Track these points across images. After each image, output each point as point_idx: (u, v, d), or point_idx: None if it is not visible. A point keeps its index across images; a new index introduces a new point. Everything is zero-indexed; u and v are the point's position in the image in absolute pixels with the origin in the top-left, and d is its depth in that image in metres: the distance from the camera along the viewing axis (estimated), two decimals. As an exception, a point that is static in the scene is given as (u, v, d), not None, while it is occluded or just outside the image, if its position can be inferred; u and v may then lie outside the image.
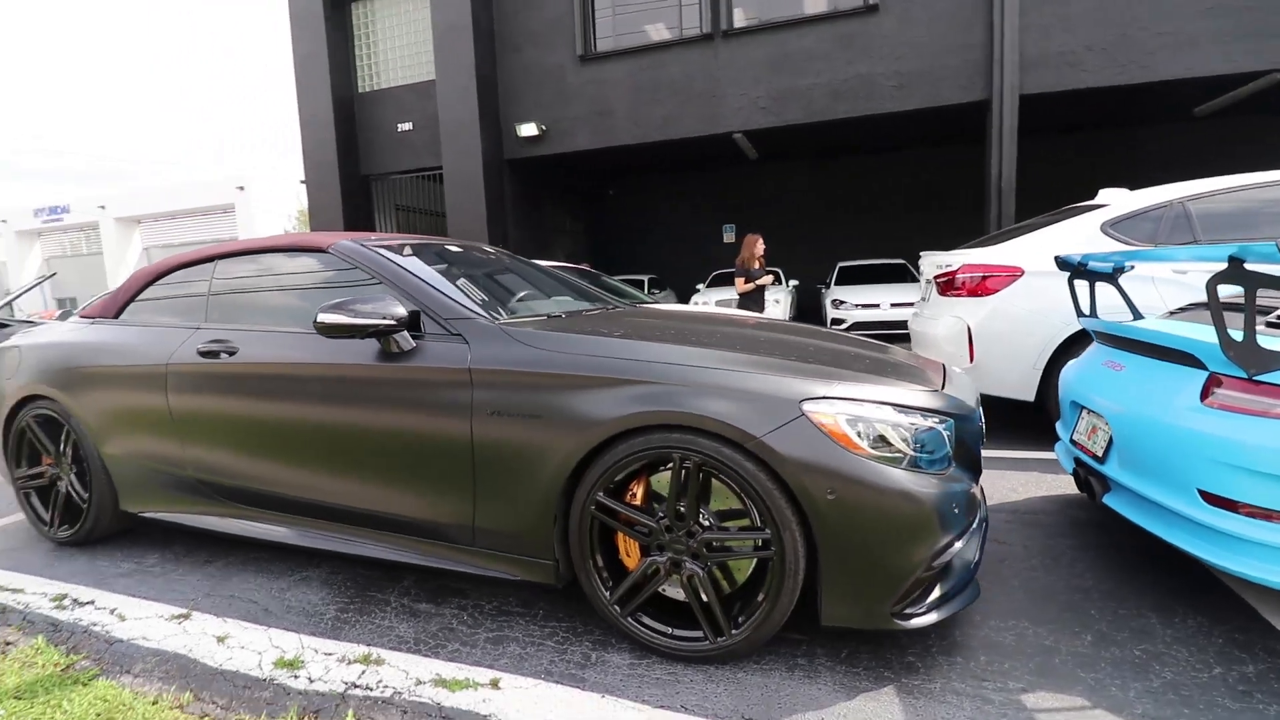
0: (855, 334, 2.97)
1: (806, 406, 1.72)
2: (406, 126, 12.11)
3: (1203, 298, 2.19)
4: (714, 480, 1.81)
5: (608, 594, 1.92)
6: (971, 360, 4.06)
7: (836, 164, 14.25)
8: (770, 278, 7.17)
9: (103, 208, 19.27)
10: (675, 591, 1.89)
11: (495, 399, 1.98)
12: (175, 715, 1.76)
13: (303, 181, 12.63)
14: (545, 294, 3.02)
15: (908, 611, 1.72)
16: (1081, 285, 2.90)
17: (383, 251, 2.43)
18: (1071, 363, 2.87)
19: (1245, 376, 1.82)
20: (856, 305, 9.73)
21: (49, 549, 2.89)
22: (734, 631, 1.79)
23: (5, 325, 5.86)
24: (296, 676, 1.88)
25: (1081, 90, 8.37)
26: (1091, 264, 2.76)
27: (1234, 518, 1.81)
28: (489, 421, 1.98)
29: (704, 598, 1.82)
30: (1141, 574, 2.28)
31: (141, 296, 2.90)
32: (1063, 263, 2.87)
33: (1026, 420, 4.06)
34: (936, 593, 1.78)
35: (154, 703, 1.80)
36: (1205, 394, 1.93)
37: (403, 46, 12.25)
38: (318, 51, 12.05)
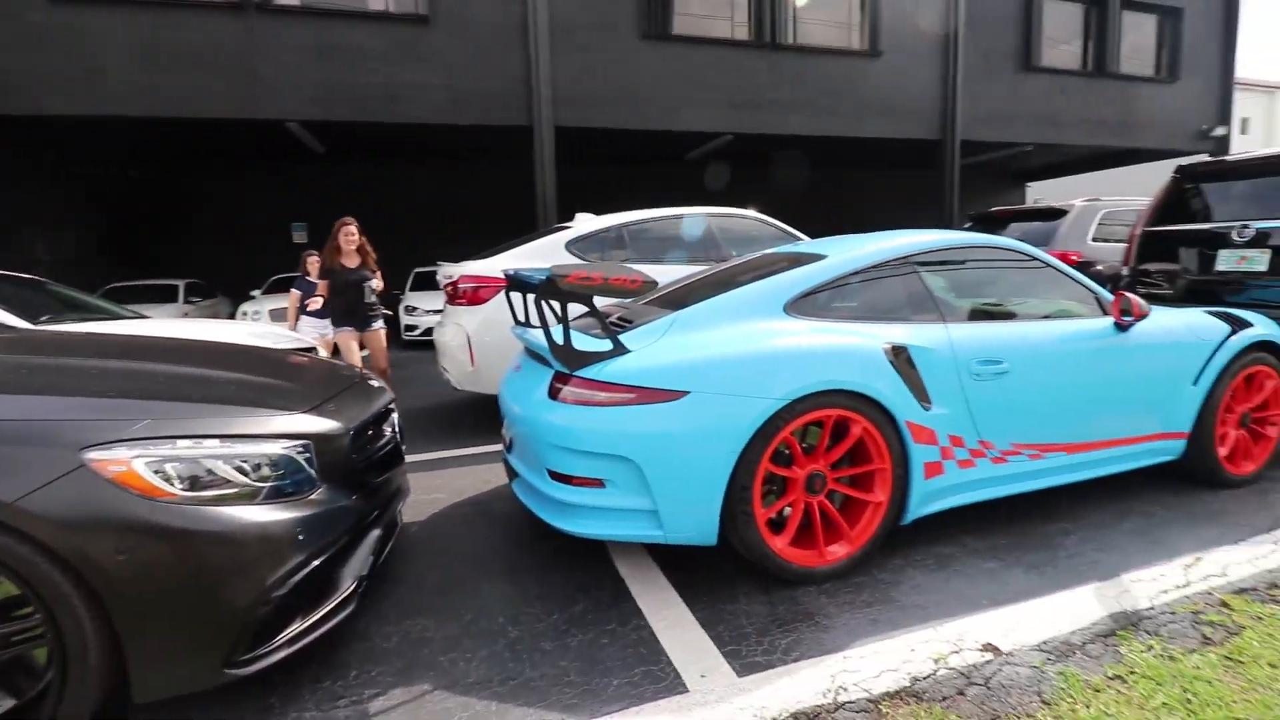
0: (289, 352, 2.81)
1: (91, 455, 1.46)
2: None
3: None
4: None
5: None
6: (473, 365, 4.35)
7: (421, 166, 14.02)
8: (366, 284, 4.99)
9: None
10: None
11: None
12: None
13: None
14: None
15: (248, 657, 1.61)
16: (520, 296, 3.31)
17: None
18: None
19: (569, 373, 2.26)
20: (428, 311, 9.74)
21: None
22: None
23: None
24: None
25: (601, 129, 9.97)
26: (521, 276, 3.15)
27: (569, 489, 2.23)
28: None
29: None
30: (544, 549, 2.67)
31: None
32: (505, 275, 3.22)
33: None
34: (296, 625, 1.72)
35: None
36: (551, 390, 2.34)
37: None
38: None
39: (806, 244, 3.26)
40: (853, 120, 11.16)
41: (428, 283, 10.78)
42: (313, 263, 6.30)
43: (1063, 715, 1.62)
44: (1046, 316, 2.80)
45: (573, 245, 4.52)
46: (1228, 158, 4.68)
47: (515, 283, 3.10)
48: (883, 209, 14.65)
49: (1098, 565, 2.36)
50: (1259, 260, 4.09)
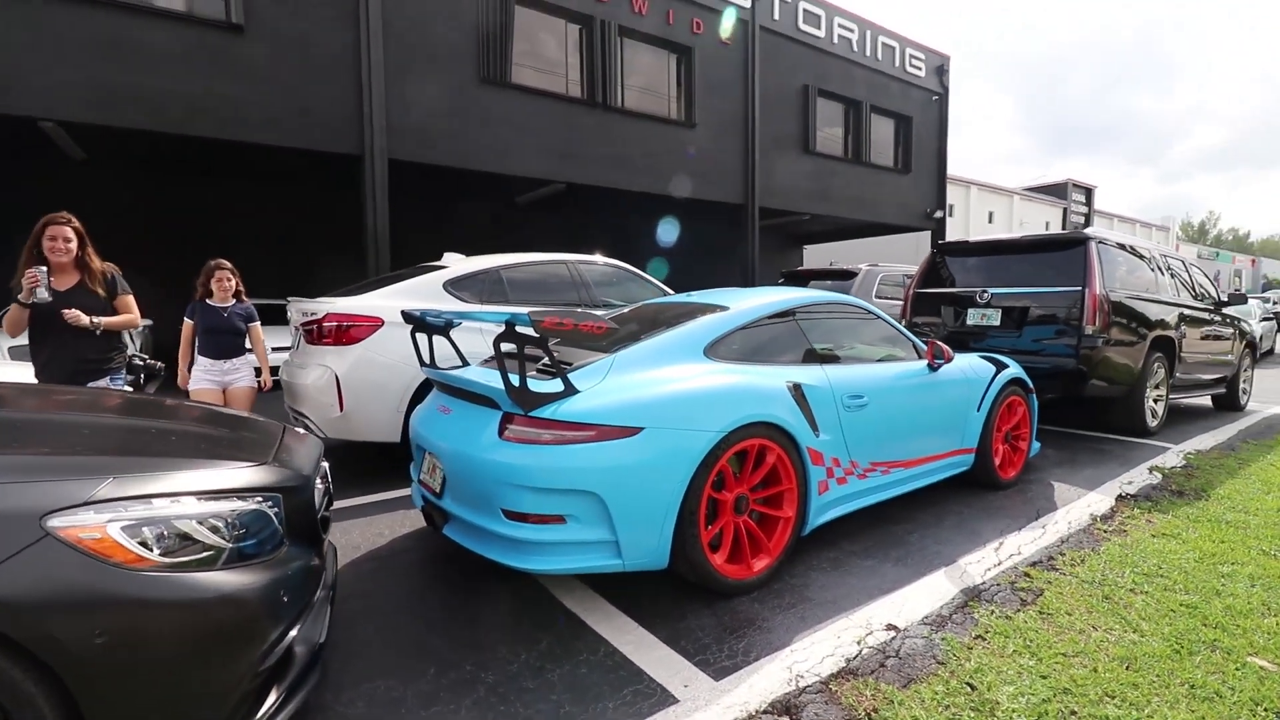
0: (184, 402, 2.48)
1: (55, 522, 1.25)
2: None
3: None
4: None
5: None
6: (342, 409, 4.04)
7: (212, 185, 12.21)
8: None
9: None
10: None
11: None
12: None
13: None
14: None
15: (231, 737, 1.44)
16: (425, 338, 3.23)
17: None
18: (418, 408, 3.15)
19: (523, 413, 2.33)
20: (231, 351, 8.52)
21: None
22: None
23: None
24: None
25: (432, 165, 9.77)
26: (428, 319, 3.09)
27: (527, 527, 2.28)
28: None
29: None
30: (479, 592, 2.64)
31: None
32: (407, 316, 3.13)
33: (396, 462, 4.29)
34: (272, 697, 1.56)
35: None
36: (501, 430, 2.38)
37: None
38: None
39: (702, 295, 3.66)
40: (670, 181, 12.31)
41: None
42: (223, 278, 4.15)
43: (955, 670, 2.09)
44: (880, 360, 3.50)
45: (451, 286, 4.47)
46: (969, 239, 6.16)
47: (421, 324, 3.05)
48: (694, 262, 16.17)
49: (939, 554, 3.00)
50: (994, 317, 5.46)
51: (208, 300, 4.15)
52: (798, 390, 2.79)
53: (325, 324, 4.14)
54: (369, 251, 9.17)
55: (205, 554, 1.45)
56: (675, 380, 2.54)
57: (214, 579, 1.42)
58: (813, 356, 3.10)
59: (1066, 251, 5.25)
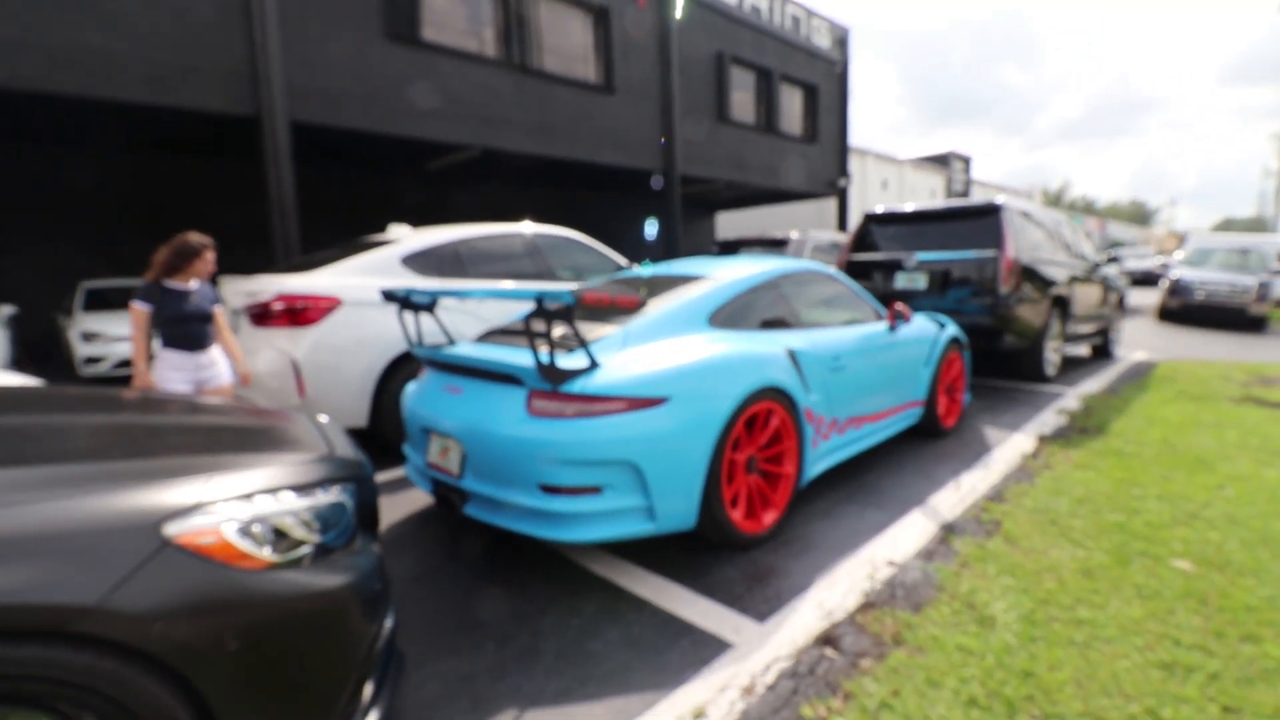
0: (175, 395, 2.30)
1: (172, 529, 1.18)
2: None
3: (490, 326, 2.68)
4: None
5: None
6: (303, 395, 3.82)
7: (87, 155, 10.69)
8: None
9: None
10: None
11: None
12: None
13: None
14: None
15: (349, 729, 1.44)
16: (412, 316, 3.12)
17: None
18: (411, 390, 3.05)
19: (552, 389, 2.36)
20: (119, 339, 7.67)
21: None
22: None
23: None
24: None
25: (340, 129, 9.10)
26: (414, 297, 2.99)
27: (562, 499, 2.33)
28: None
29: None
30: (498, 568, 2.66)
31: None
32: (390, 295, 3.00)
33: (363, 445, 4.13)
34: (369, 688, 1.56)
35: None
36: (528, 406, 2.39)
37: None
38: None
39: (675, 265, 3.74)
40: (591, 147, 12.16)
41: (109, 300, 8.46)
42: (209, 259, 3.43)
43: (952, 592, 2.39)
44: (849, 323, 3.76)
45: (409, 262, 4.28)
46: (895, 209, 6.60)
47: (406, 303, 2.96)
48: (612, 231, 16.15)
49: (910, 496, 3.34)
50: (920, 280, 5.94)
51: (167, 282, 3.34)
52: (792, 355, 2.98)
53: (275, 305, 3.87)
54: (274, 225, 8.46)
55: (303, 549, 1.41)
56: (688, 350, 2.64)
57: (323, 573, 1.39)
58: (797, 322, 3.30)
59: (983, 220, 5.78)
